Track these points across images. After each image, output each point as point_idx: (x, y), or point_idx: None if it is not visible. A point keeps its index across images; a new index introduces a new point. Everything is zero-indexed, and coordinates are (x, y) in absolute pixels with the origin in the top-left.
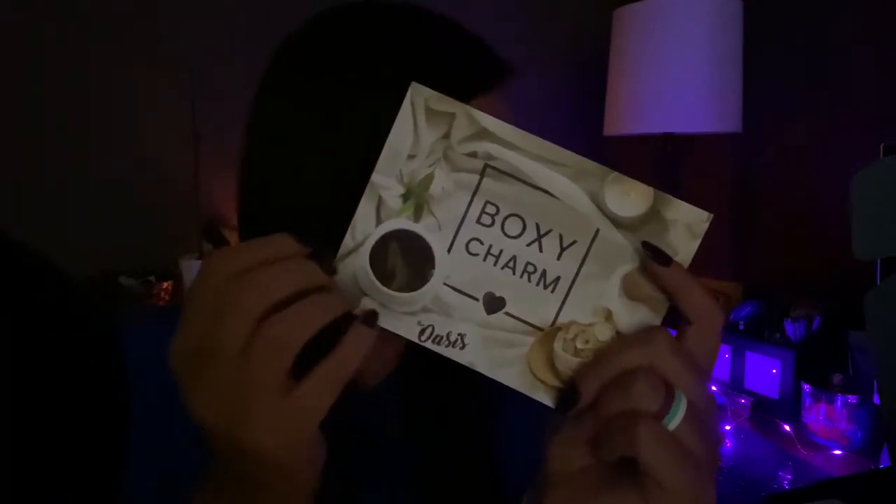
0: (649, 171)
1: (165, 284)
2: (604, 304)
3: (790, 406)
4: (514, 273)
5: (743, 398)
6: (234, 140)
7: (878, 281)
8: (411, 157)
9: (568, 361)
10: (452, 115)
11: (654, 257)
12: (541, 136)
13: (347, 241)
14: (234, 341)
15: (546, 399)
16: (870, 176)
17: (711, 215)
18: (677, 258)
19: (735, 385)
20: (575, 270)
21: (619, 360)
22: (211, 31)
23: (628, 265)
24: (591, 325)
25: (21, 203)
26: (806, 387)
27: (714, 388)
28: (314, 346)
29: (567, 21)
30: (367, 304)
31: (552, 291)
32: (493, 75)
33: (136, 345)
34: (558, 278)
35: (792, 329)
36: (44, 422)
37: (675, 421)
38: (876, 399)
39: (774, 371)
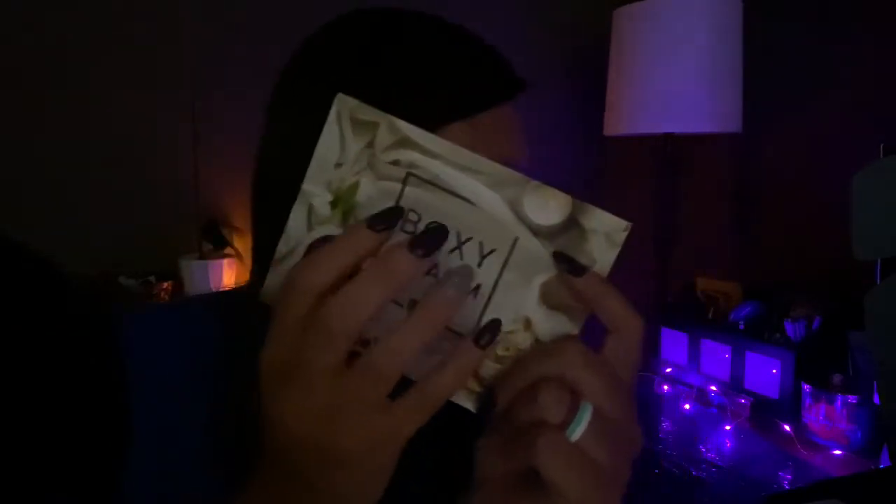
0: (649, 171)
1: (165, 284)
2: (523, 313)
3: (790, 406)
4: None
5: (743, 398)
6: (234, 140)
7: (878, 281)
8: (339, 165)
9: (489, 367)
10: (376, 125)
11: (566, 268)
12: (541, 137)
13: (281, 247)
14: (330, 367)
15: (467, 403)
16: (870, 176)
17: (630, 224)
18: (595, 267)
19: (735, 385)
20: (495, 278)
21: (530, 369)
22: (211, 32)
23: (546, 273)
24: (511, 332)
25: (21, 203)
26: (806, 387)
27: (714, 388)
28: None
29: (567, 21)
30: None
31: (473, 298)
32: (512, 86)
33: (137, 344)
34: (479, 286)
35: (792, 329)
36: (44, 422)
37: (577, 432)
38: (876, 399)
39: (774, 371)
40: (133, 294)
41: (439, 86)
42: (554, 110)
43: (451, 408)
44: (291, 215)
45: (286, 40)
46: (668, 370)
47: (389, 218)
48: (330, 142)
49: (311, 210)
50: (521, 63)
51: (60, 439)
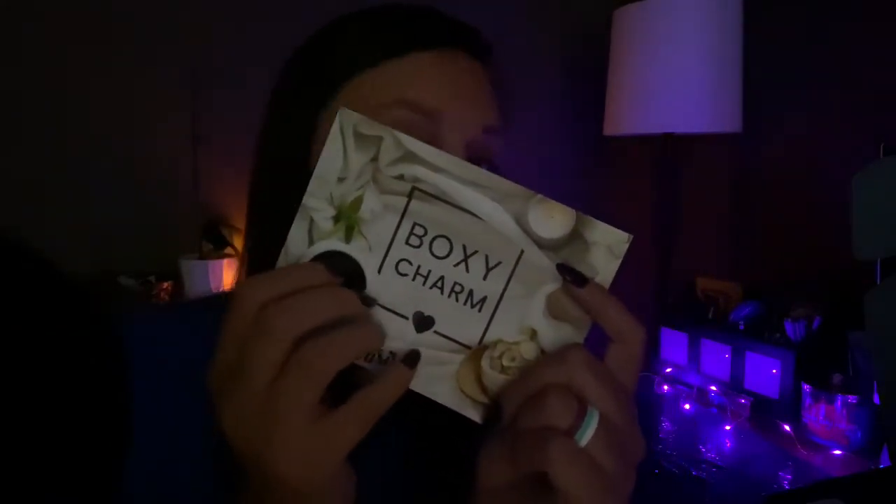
0: (649, 171)
1: (165, 284)
2: (528, 324)
3: (790, 406)
4: (442, 293)
5: (743, 398)
6: (234, 140)
7: (878, 281)
8: (341, 179)
9: (495, 379)
10: (380, 139)
11: (570, 279)
12: (541, 137)
13: (280, 262)
14: (266, 365)
15: (474, 415)
16: (870, 176)
17: (631, 236)
18: (598, 278)
19: (735, 385)
20: (500, 290)
21: (537, 377)
22: (211, 32)
23: (551, 285)
24: (516, 343)
25: (21, 203)
26: (806, 387)
27: (714, 388)
28: (346, 376)
29: (567, 21)
30: (409, 342)
31: (479, 311)
32: (423, 36)
33: (137, 345)
34: (485, 298)
35: (792, 329)
36: (43, 422)
37: (585, 436)
38: (876, 399)
39: (774, 371)
40: (133, 294)
41: (354, 37)
42: (554, 110)
43: (454, 419)
44: (291, 230)
45: (287, 40)
46: (668, 370)
47: (341, 264)
48: (332, 156)
49: (312, 225)
50: (522, 63)
51: (60, 440)
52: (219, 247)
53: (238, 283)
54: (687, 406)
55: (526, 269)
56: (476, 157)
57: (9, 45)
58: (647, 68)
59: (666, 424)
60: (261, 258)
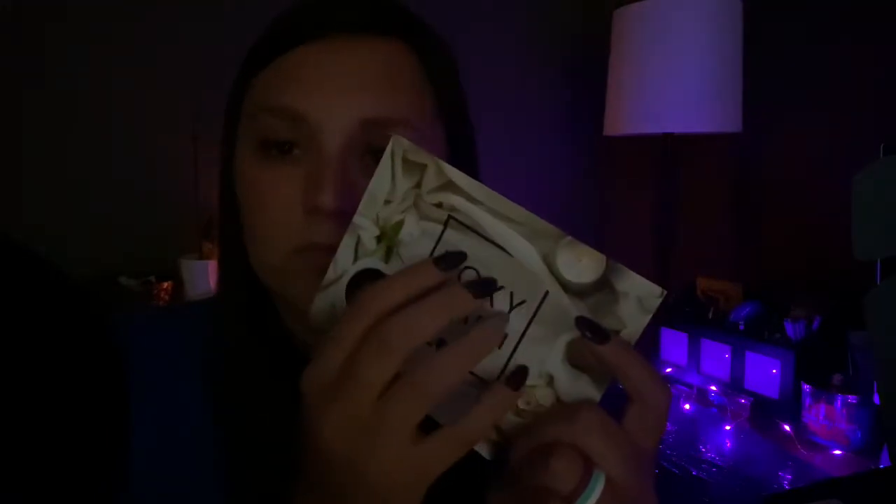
0: (649, 171)
1: (165, 284)
2: (547, 369)
3: (790, 406)
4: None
5: (743, 398)
6: None
7: (878, 281)
8: (388, 202)
9: (508, 420)
10: (424, 167)
11: (589, 335)
12: (541, 137)
13: (330, 274)
14: (379, 380)
15: (484, 450)
16: (870, 176)
17: (665, 291)
18: (624, 332)
19: (735, 385)
20: (522, 330)
21: (545, 432)
22: (211, 32)
23: (573, 332)
24: (533, 387)
25: (21, 203)
26: (806, 387)
27: (714, 388)
28: None
29: (567, 21)
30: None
31: (499, 347)
32: (318, 23)
33: (137, 346)
34: (506, 335)
35: (792, 329)
36: (43, 422)
37: (589, 503)
38: (876, 399)
39: (774, 371)
40: (133, 294)
41: (262, 34)
42: (554, 110)
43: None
44: (342, 245)
45: None
46: (668, 370)
47: (454, 260)
48: (383, 179)
49: (358, 241)
50: (522, 63)
51: (59, 441)
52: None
53: (360, 293)
54: (687, 406)
55: (550, 311)
56: (365, 152)
57: (9, 45)
58: (647, 68)
59: (666, 424)
60: (226, 251)
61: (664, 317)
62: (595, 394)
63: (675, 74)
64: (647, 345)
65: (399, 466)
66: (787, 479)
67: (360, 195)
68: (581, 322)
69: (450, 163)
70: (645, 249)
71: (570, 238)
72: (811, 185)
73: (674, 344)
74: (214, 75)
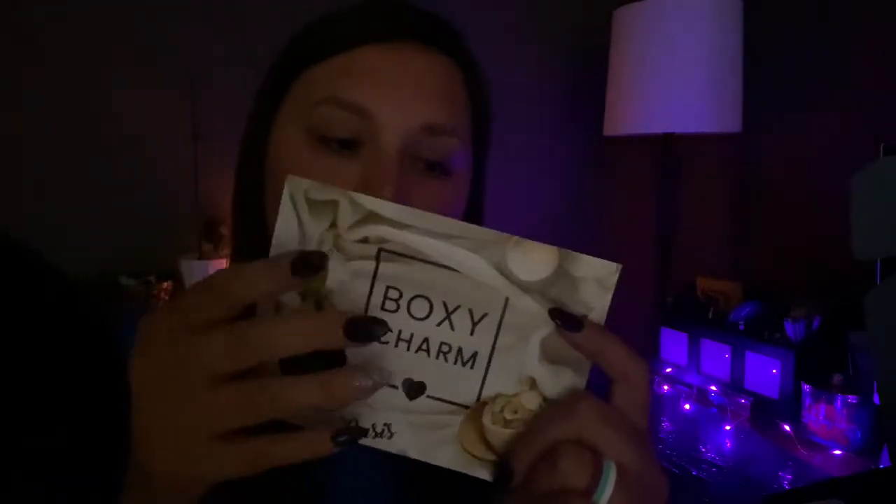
0: (649, 171)
1: (165, 284)
2: (526, 373)
3: (790, 406)
4: (429, 355)
5: (743, 398)
6: (233, 140)
7: (878, 281)
8: None
9: (499, 434)
10: (336, 203)
11: (563, 325)
12: (540, 137)
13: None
14: (219, 370)
15: (485, 474)
16: (870, 176)
17: (621, 266)
18: (592, 315)
19: (735, 385)
20: (491, 343)
21: (546, 434)
22: (211, 33)
23: (544, 330)
24: (516, 394)
25: (21, 203)
26: (806, 387)
27: (714, 388)
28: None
29: (567, 21)
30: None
31: (471, 368)
32: (384, 28)
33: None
34: (475, 354)
35: (792, 329)
36: (43, 421)
37: (605, 494)
38: (876, 399)
39: (774, 371)
40: (133, 294)
41: (309, 32)
42: (554, 110)
43: (467, 478)
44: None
45: (287, 41)
46: (668, 370)
47: (308, 268)
48: (288, 228)
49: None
50: (522, 63)
51: (59, 440)
52: (218, 247)
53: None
54: (687, 406)
55: (515, 316)
56: (416, 157)
57: (9, 45)
58: (647, 68)
59: (666, 424)
60: (242, 257)
61: (664, 317)
62: (580, 382)
63: (675, 74)
64: (648, 345)
65: (188, 457)
66: (787, 479)
67: (415, 198)
68: (553, 313)
69: (471, 179)
70: (645, 249)
71: (516, 238)
72: (811, 185)
73: (674, 344)
74: (214, 75)
